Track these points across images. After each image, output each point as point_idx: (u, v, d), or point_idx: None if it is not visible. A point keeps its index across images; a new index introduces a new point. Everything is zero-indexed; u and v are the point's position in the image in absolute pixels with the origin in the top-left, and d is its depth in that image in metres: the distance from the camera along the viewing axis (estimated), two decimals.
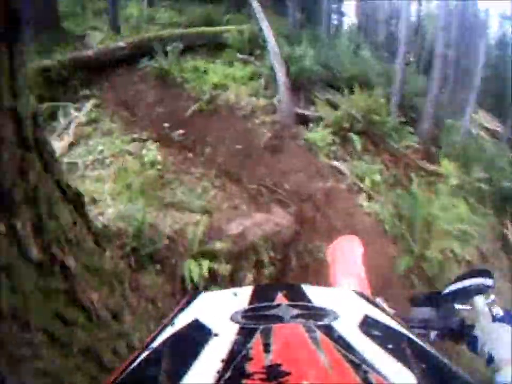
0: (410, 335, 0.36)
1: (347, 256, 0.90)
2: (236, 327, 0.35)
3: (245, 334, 0.33)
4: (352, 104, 4.26)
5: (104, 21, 5.61)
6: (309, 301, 0.43)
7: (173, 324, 0.40)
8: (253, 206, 3.08)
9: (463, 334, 0.59)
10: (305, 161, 3.86)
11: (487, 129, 7.97)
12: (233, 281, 2.29)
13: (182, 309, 0.45)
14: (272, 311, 0.38)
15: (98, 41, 4.90)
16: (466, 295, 0.61)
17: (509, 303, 2.56)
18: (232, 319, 0.37)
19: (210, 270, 2.22)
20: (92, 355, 1.01)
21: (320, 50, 5.15)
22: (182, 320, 0.40)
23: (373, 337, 0.33)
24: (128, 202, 2.45)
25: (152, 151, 3.21)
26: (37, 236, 0.87)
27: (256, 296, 0.45)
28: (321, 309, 0.40)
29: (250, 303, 0.43)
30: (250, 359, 0.28)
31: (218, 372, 0.27)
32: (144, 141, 3.42)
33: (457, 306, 0.61)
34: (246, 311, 0.39)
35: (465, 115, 5.92)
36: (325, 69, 4.85)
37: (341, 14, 9.71)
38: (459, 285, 0.63)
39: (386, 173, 4.13)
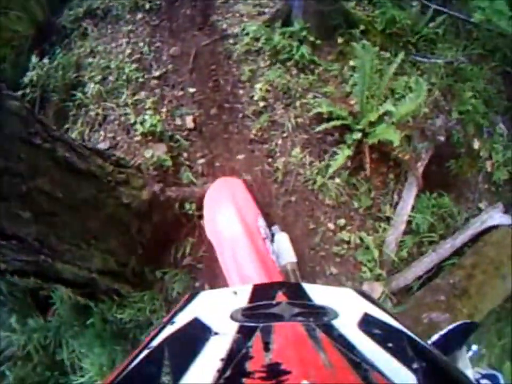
0: (410, 334, 0.35)
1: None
2: (235, 326, 0.34)
3: (245, 332, 0.32)
4: None
5: None
6: (309, 300, 0.42)
7: (173, 322, 0.39)
8: None
9: None
10: None
11: None
12: None
13: (181, 308, 0.44)
14: (272, 310, 0.38)
15: None
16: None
17: None
18: (232, 317, 0.37)
19: None
20: None
21: None
22: (182, 319, 0.39)
23: (372, 336, 0.32)
24: None
25: None
26: None
27: (256, 295, 0.45)
28: (321, 307, 0.39)
29: (250, 301, 0.42)
30: (250, 357, 0.28)
31: (218, 371, 0.26)
32: None
33: None
34: (246, 309, 0.39)
35: None
36: None
37: None
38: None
39: None
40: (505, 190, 2.41)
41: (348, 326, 0.34)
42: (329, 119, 1.88)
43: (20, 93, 2.31)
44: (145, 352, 0.32)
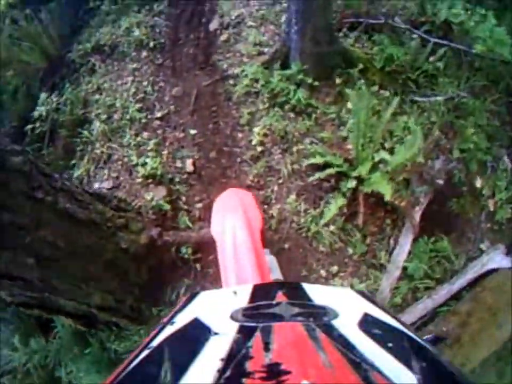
0: (410, 334, 0.35)
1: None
2: (235, 326, 0.34)
3: (245, 332, 0.32)
4: None
5: None
6: (309, 300, 0.42)
7: (173, 322, 0.39)
8: None
9: None
10: None
11: None
12: None
13: (181, 308, 0.44)
14: (272, 310, 0.38)
15: None
16: None
17: None
18: (232, 317, 0.37)
19: None
20: None
21: None
22: (182, 319, 0.39)
23: (372, 336, 0.32)
24: None
25: None
26: None
27: (256, 295, 0.44)
28: (321, 307, 0.39)
29: (250, 301, 0.42)
30: (250, 357, 0.28)
31: (218, 371, 0.26)
32: None
33: None
34: (246, 309, 0.39)
35: None
36: None
37: None
38: None
39: None
40: (508, 229, 2.37)
41: (348, 326, 0.34)
42: (324, 166, 1.90)
43: (30, 126, 2.43)
44: (145, 352, 0.33)
